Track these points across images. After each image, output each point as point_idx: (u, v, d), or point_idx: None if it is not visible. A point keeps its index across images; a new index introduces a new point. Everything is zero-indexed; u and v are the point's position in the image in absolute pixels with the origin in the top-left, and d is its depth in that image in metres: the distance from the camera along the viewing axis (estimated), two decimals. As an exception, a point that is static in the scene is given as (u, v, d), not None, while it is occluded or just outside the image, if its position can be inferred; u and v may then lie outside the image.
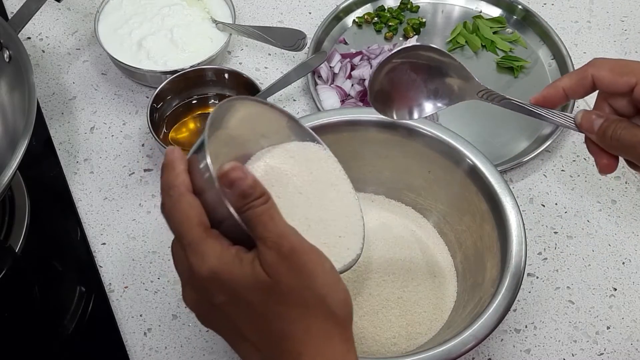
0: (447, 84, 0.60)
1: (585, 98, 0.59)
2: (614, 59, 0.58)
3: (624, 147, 0.55)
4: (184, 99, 0.87)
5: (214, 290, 0.45)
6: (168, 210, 0.46)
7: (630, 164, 0.58)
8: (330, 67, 0.90)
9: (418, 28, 0.96)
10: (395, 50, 0.59)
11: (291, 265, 0.45)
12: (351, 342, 0.48)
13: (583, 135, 0.62)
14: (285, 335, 0.45)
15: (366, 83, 0.88)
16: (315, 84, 0.89)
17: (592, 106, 0.60)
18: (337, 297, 0.46)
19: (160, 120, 0.85)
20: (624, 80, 0.56)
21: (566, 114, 0.58)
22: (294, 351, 0.45)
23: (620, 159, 0.57)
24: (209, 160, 0.46)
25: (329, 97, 0.87)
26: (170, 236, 0.77)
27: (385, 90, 0.61)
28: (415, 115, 0.62)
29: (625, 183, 0.83)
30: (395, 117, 0.62)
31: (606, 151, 0.57)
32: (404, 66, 0.60)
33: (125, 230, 0.79)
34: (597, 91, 0.58)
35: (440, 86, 0.60)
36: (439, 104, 0.61)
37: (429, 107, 0.62)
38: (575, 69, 0.88)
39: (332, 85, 0.89)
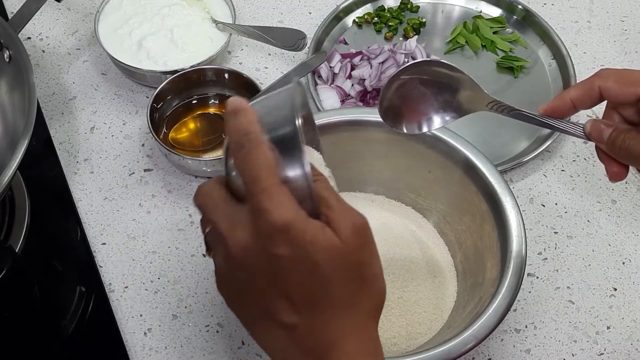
0: (456, 97, 0.61)
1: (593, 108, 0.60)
2: (620, 69, 0.58)
3: (633, 157, 0.56)
4: (184, 99, 0.87)
5: (280, 242, 0.43)
6: (246, 151, 0.44)
7: None
8: (330, 67, 0.90)
9: (418, 28, 0.96)
10: (404, 66, 0.59)
11: (364, 239, 0.45)
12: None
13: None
14: (335, 303, 0.45)
15: (366, 83, 0.88)
16: (315, 84, 0.89)
17: (599, 115, 0.60)
18: (383, 284, 0.47)
19: (160, 120, 0.85)
20: (630, 91, 0.56)
21: (575, 123, 0.59)
22: (338, 322, 0.45)
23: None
24: (299, 122, 0.45)
25: (329, 97, 0.87)
26: (170, 236, 0.78)
27: (395, 105, 0.61)
28: (425, 129, 0.62)
29: (625, 183, 0.83)
30: (405, 130, 0.62)
31: (616, 159, 0.57)
32: (413, 81, 0.60)
33: (125, 230, 0.79)
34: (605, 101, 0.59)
35: (450, 99, 0.61)
36: (448, 117, 0.62)
37: (438, 120, 0.62)
38: (576, 69, 0.90)
39: (332, 85, 0.89)
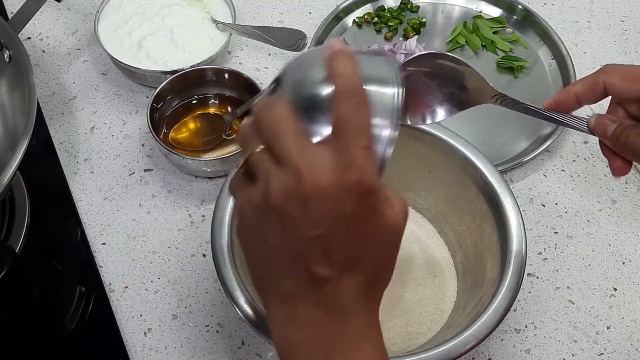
0: (461, 90, 0.61)
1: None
2: (625, 65, 0.58)
3: (637, 153, 0.56)
4: (184, 99, 0.87)
5: (359, 202, 0.43)
6: (360, 101, 0.44)
7: None
8: (330, 67, 0.89)
9: (418, 28, 0.96)
10: (410, 58, 0.59)
11: (405, 226, 0.47)
12: None
13: (583, 135, 0.62)
14: (371, 274, 0.46)
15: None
16: (315, 84, 0.89)
17: (595, 112, 0.60)
18: (391, 276, 0.49)
19: (160, 120, 0.85)
20: (635, 87, 0.57)
21: (580, 117, 0.59)
22: (366, 292, 0.46)
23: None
24: (402, 95, 0.45)
25: (329, 97, 0.87)
26: (170, 236, 0.78)
27: None
28: (429, 121, 0.63)
29: (625, 183, 0.83)
30: (409, 122, 0.62)
31: (620, 155, 0.58)
32: (418, 73, 0.60)
33: (125, 230, 0.79)
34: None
35: (455, 92, 0.61)
36: (452, 110, 0.62)
37: (442, 112, 0.62)
38: (576, 69, 0.90)
39: (332, 85, 0.89)
